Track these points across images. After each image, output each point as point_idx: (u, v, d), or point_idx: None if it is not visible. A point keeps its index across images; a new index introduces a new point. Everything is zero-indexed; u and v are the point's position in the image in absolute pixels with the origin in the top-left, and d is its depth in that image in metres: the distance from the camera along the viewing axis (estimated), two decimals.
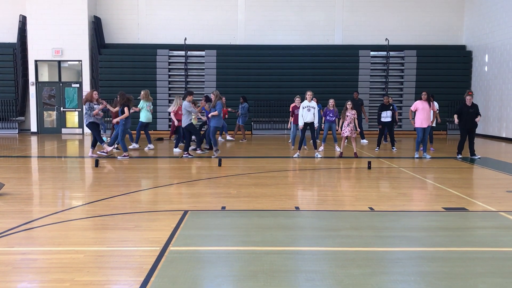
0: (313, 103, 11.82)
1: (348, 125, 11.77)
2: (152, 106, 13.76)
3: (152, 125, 17.84)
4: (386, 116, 13.64)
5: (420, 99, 11.75)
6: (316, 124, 11.88)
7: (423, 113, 11.60)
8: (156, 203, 6.79)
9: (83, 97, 12.13)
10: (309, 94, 11.76)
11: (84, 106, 11.71)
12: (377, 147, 13.76)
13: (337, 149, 13.23)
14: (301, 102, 12.21)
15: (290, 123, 14.12)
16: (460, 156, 11.83)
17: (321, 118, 13.45)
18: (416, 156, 11.87)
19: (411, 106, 12.21)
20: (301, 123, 11.83)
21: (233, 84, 20.04)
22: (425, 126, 11.64)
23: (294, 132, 14.06)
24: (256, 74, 20.35)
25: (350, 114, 11.76)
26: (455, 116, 11.81)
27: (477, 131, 13.17)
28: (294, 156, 11.95)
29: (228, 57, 20.49)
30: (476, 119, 11.65)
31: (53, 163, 11.32)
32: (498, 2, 18.18)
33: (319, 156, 11.95)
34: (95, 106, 11.70)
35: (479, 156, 11.77)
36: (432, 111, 11.91)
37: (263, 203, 6.70)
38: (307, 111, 11.73)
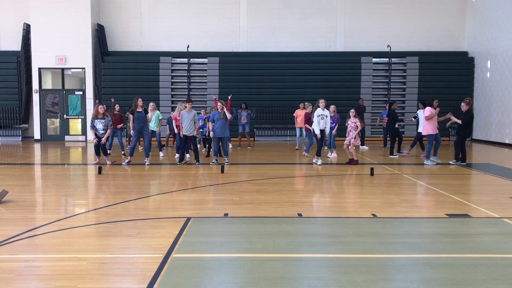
0: (326, 112, 11.93)
1: (348, 133, 11.80)
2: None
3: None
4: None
5: (431, 106, 11.86)
6: (328, 130, 12.03)
7: (433, 120, 11.68)
8: (159, 210, 6.79)
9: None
10: (322, 102, 11.89)
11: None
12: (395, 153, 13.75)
13: (329, 155, 13.47)
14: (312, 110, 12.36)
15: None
16: (454, 161, 11.86)
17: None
18: (430, 163, 11.72)
19: (413, 113, 12.20)
20: (317, 131, 11.85)
21: (235, 91, 19.92)
22: (435, 132, 11.75)
23: (311, 140, 13.97)
24: (259, 81, 20.41)
25: (351, 122, 11.78)
26: (451, 115, 11.82)
27: (479, 137, 13.11)
28: (315, 161, 11.87)
29: (231, 64, 20.57)
30: (447, 116, 11.57)
31: (56, 171, 11.35)
32: (499, 8, 18.22)
33: (318, 162, 11.88)
34: (95, 121, 11.45)
35: (456, 161, 11.72)
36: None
37: (265, 210, 6.70)
38: (321, 119, 11.82)
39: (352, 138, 11.72)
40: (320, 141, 11.99)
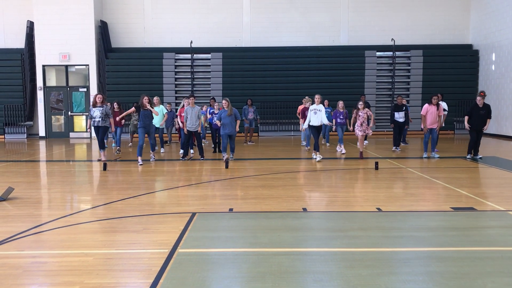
0: (320, 106, 11.82)
1: (361, 124, 11.78)
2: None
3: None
4: (400, 117, 13.53)
5: (430, 102, 11.81)
6: (326, 122, 11.83)
7: (430, 116, 11.75)
8: (164, 206, 6.82)
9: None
10: (317, 97, 11.82)
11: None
12: (395, 147, 13.58)
13: (338, 149, 13.45)
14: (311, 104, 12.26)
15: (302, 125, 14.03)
16: (470, 156, 11.71)
17: (331, 119, 13.56)
18: (425, 156, 11.85)
19: (418, 107, 12.15)
20: (305, 125, 11.93)
21: (239, 87, 20.09)
22: (431, 127, 11.72)
23: (307, 132, 14.00)
24: (262, 76, 20.37)
25: (363, 113, 11.79)
26: (466, 118, 11.67)
27: (487, 131, 13.02)
28: (314, 157, 11.71)
29: (234, 59, 20.54)
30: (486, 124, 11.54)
31: (61, 167, 11.40)
32: (504, 0, 18.06)
33: (318, 158, 11.82)
34: (93, 109, 11.60)
35: (480, 156, 11.66)
36: (438, 115, 11.86)
37: (270, 204, 6.71)
38: (314, 114, 11.77)
39: (365, 128, 11.73)
40: (316, 138, 11.97)
